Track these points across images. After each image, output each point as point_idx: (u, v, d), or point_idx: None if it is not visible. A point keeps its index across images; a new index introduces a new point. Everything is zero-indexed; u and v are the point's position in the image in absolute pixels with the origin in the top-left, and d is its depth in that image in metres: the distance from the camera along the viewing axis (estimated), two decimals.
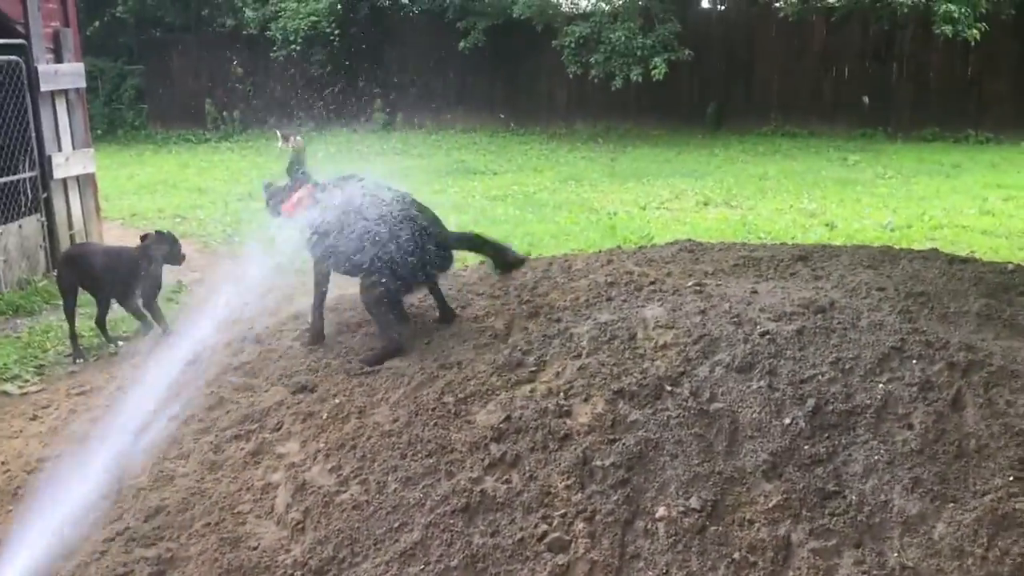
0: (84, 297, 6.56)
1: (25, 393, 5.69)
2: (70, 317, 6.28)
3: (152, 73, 22.98)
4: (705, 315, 4.03)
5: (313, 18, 20.27)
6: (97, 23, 22.78)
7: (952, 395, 3.41)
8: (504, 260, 5.00)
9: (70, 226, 8.82)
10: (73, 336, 6.26)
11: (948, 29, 15.27)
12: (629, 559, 3.06)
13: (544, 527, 3.17)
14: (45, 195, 8.52)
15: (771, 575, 2.95)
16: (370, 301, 4.69)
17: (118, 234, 9.57)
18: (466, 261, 7.75)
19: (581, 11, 20.16)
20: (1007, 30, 16.78)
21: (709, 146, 17.55)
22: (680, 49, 17.50)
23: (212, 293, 5.88)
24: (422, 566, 3.14)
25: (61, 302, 6.46)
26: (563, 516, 3.19)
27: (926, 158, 15.25)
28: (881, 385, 3.47)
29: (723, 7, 21.32)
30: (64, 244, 8.65)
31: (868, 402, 3.40)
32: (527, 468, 3.39)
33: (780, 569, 2.96)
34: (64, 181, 8.76)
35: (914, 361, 3.57)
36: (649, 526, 3.12)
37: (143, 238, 6.25)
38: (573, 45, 18.28)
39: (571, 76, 18.72)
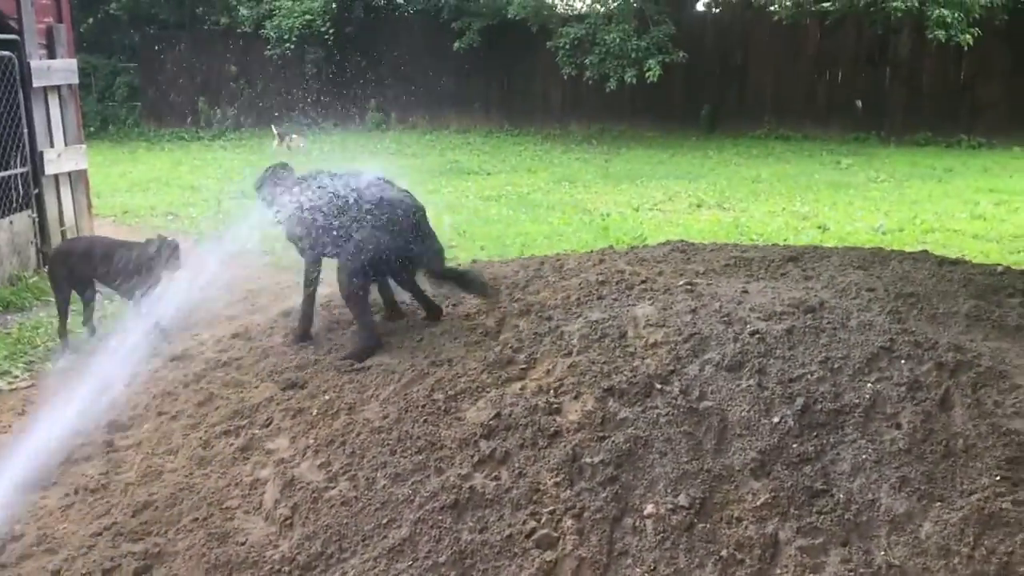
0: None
1: (14, 389, 5.67)
2: (65, 311, 6.26)
3: (146, 70, 22.94)
4: (696, 314, 4.04)
5: (307, 17, 20.26)
6: (91, 20, 22.77)
7: (940, 395, 3.42)
8: (469, 287, 4.95)
9: (61, 222, 8.79)
10: (65, 330, 6.24)
11: (941, 34, 15.34)
12: (617, 556, 3.06)
13: (533, 524, 3.17)
14: (36, 191, 8.49)
15: (758, 573, 2.95)
16: (346, 295, 4.72)
17: (110, 231, 9.53)
18: (458, 258, 7.75)
19: (576, 12, 20.21)
20: (1000, 35, 16.87)
21: (703, 148, 17.58)
22: (674, 51, 17.54)
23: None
24: (410, 562, 3.14)
25: (54, 296, 6.39)
26: (552, 513, 3.20)
27: (919, 162, 15.30)
28: (870, 385, 3.48)
29: (717, 10, 21.39)
30: (56, 241, 8.61)
31: (856, 401, 3.41)
32: (516, 465, 3.39)
33: (767, 567, 2.96)
34: (56, 177, 8.72)
35: (903, 361, 3.58)
36: (637, 523, 3.13)
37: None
38: (568, 46, 18.30)
39: (566, 77, 18.76)
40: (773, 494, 3.13)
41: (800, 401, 3.42)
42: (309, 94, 21.99)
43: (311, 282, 4.96)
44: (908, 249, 6.45)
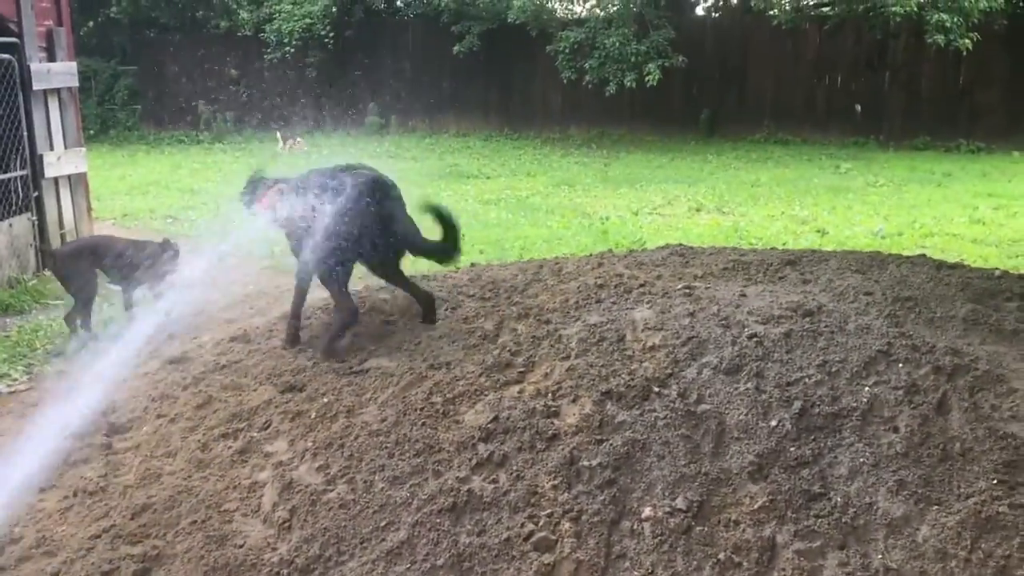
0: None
1: (13, 392, 5.67)
2: (89, 301, 6.36)
3: (145, 74, 22.97)
4: (694, 317, 4.05)
5: (308, 20, 20.28)
6: (91, 23, 22.77)
7: (937, 399, 3.42)
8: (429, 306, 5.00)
9: (61, 225, 8.80)
10: (81, 322, 6.35)
11: (940, 39, 15.37)
12: (615, 559, 3.06)
13: (531, 527, 3.18)
14: (36, 194, 8.50)
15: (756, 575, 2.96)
16: (320, 276, 4.79)
17: (108, 234, 9.54)
18: (457, 262, 7.74)
19: (575, 17, 20.24)
20: (999, 40, 16.91)
21: (702, 152, 17.61)
22: (674, 56, 17.57)
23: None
24: (408, 565, 3.14)
25: (72, 291, 6.44)
26: (549, 516, 3.20)
27: (917, 166, 15.33)
28: (867, 388, 3.48)
29: (717, 14, 21.44)
30: (55, 244, 8.62)
31: (854, 405, 3.42)
32: (514, 468, 3.39)
33: (765, 570, 2.97)
34: (55, 180, 8.74)
35: (900, 365, 3.59)
36: (635, 526, 3.13)
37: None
38: (567, 50, 18.34)
39: (565, 81, 18.78)
40: (771, 497, 3.14)
41: (798, 404, 3.42)
42: (309, 98, 22.03)
43: (302, 284, 5.00)
44: (907, 253, 6.46)
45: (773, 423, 3.37)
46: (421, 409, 3.81)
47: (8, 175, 8.23)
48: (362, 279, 6.52)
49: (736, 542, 3.04)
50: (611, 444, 3.37)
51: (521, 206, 11.99)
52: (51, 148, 8.63)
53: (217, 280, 6.31)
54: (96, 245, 6.61)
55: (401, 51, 21.63)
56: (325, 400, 4.12)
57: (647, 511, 3.16)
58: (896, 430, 3.31)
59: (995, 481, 3.10)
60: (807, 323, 3.90)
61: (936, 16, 15.24)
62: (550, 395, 3.69)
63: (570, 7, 21.23)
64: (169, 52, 23.06)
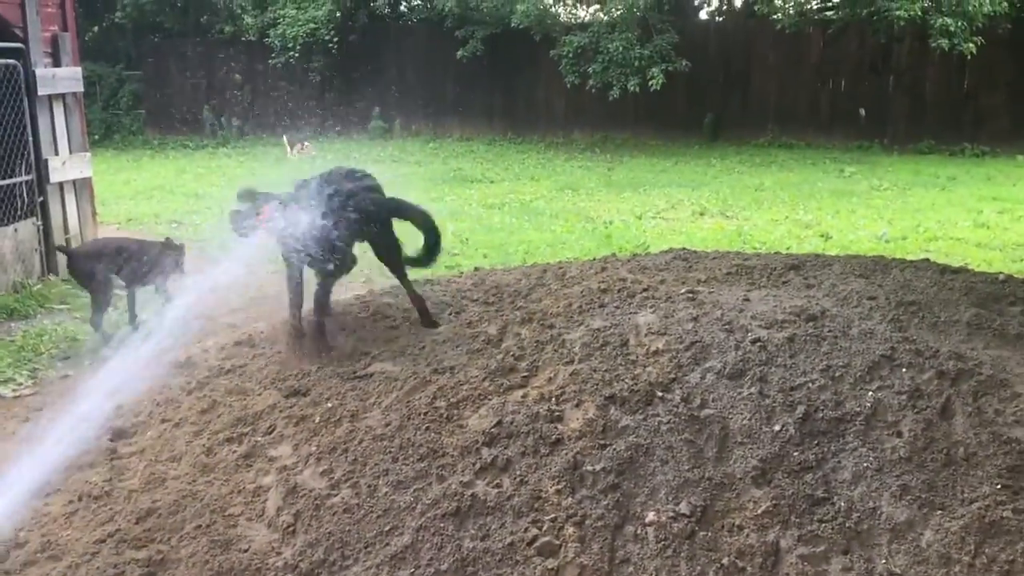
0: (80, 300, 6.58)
1: (18, 396, 5.69)
2: (106, 302, 6.47)
3: (150, 79, 23.04)
4: (697, 322, 4.05)
5: (312, 25, 20.34)
6: (96, 28, 22.89)
7: (941, 403, 3.42)
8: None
9: (66, 230, 8.82)
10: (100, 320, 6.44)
11: (944, 43, 15.36)
12: (618, 564, 3.07)
13: (534, 531, 3.18)
14: (41, 199, 8.53)
15: None
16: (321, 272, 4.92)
17: (120, 235, 9.57)
18: (461, 266, 7.78)
19: (579, 21, 20.27)
20: (1003, 44, 16.89)
21: (706, 156, 17.61)
22: (677, 60, 17.58)
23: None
24: (412, 569, 3.15)
25: (90, 291, 6.54)
26: (553, 521, 3.20)
27: (922, 170, 15.32)
28: (871, 393, 3.48)
29: (720, 19, 21.44)
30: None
31: (858, 410, 3.42)
32: (518, 473, 3.40)
33: (769, 575, 2.97)
34: (60, 185, 8.77)
35: (904, 369, 3.59)
36: (639, 531, 3.13)
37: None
38: (571, 55, 18.35)
39: (569, 86, 18.79)
40: (774, 502, 3.14)
41: (801, 409, 3.42)
42: (313, 102, 22.08)
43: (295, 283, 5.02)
44: (911, 258, 6.46)
45: (777, 428, 3.37)
46: (425, 414, 3.81)
47: (13, 180, 8.26)
48: (366, 283, 6.55)
49: (740, 547, 3.04)
50: (615, 449, 3.38)
51: (525, 210, 12.00)
52: (56, 153, 8.66)
53: (221, 285, 6.32)
54: (111, 247, 6.68)
55: (405, 56, 21.66)
56: (329, 404, 4.13)
57: (651, 516, 3.16)
58: (900, 435, 3.31)
59: (999, 486, 3.10)
60: (811, 328, 3.90)
61: (940, 20, 15.23)
62: (554, 400, 3.69)
63: (574, 12, 21.27)
64: (174, 57, 23.14)
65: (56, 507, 3.91)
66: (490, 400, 3.80)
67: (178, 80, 23.10)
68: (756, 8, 18.50)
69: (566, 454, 3.40)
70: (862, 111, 18.71)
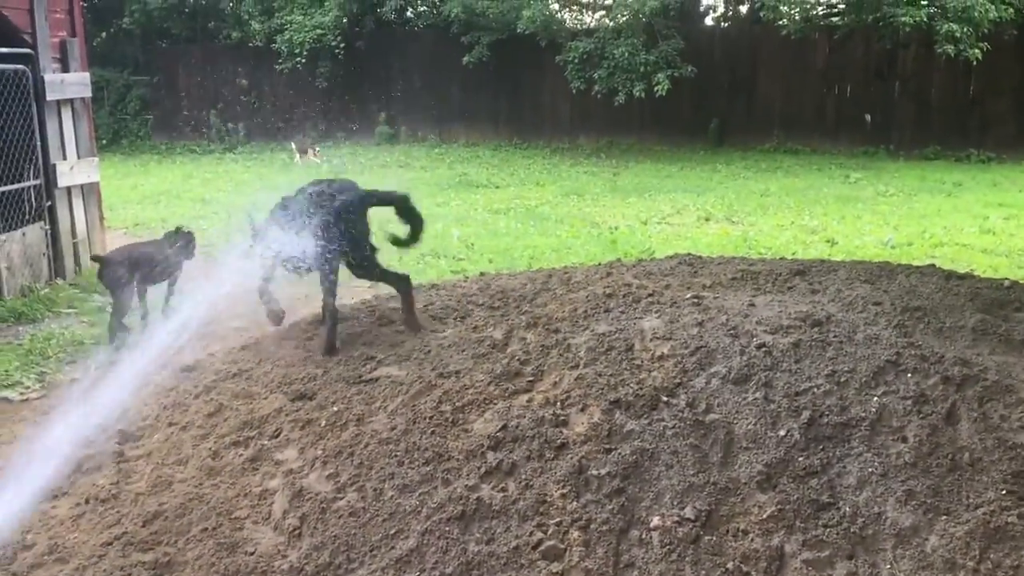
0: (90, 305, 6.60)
1: (26, 399, 5.72)
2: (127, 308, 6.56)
3: (157, 84, 23.14)
4: (702, 327, 4.05)
5: (319, 31, 20.40)
6: (104, 34, 22.99)
7: (946, 409, 3.42)
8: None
9: (73, 235, 8.87)
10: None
11: (950, 48, 15.36)
12: (623, 568, 3.07)
13: (539, 535, 3.19)
14: (49, 203, 8.57)
15: None
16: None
17: (122, 243, 9.61)
18: (466, 271, 7.79)
19: (585, 27, 20.30)
20: (1009, 50, 16.88)
21: (711, 162, 17.62)
22: (683, 65, 17.60)
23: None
24: (417, 572, 3.16)
25: (114, 296, 6.63)
26: (558, 524, 3.21)
27: (928, 176, 15.30)
28: (876, 398, 3.49)
29: (726, 24, 21.46)
30: (67, 253, 8.71)
31: (863, 415, 3.42)
32: (523, 476, 3.41)
33: None
34: (68, 190, 8.81)
35: (909, 375, 3.59)
36: (643, 535, 3.14)
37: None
38: (577, 60, 18.39)
39: (574, 91, 18.83)
40: (779, 507, 3.14)
41: (806, 414, 3.43)
42: (319, 108, 22.14)
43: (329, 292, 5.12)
44: (917, 263, 6.46)
45: (782, 433, 3.37)
46: (430, 418, 3.82)
47: (21, 184, 8.30)
48: (371, 287, 6.56)
49: (744, 552, 3.04)
50: (620, 453, 3.38)
51: (530, 215, 12.02)
52: (64, 158, 8.70)
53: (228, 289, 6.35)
54: (137, 255, 6.81)
55: (411, 61, 21.73)
56: (335, 408, 4.14)
57: (655, 520, 3.17)
58: (905, 440, 3.31)
59: (1004, 491, 3.10)
60: (816, 333, 3.90)
61: (946, 26, 15.23)
62: (559, 404, 3.70)
63: (579, 17, 21.31)
64: (181, 63, 23.24)
65: (63, 510, 3.93)
66: (495, 404, 3.81)
67: (185, 85, 23.20)
68: (762, 14, 18.52)
69: (571, 458, 3.41)
70: (868, 117, 18.70)
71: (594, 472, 3.34)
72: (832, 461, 3.28)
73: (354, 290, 6.45)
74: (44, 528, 3.80)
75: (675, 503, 3.21)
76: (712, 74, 19.07)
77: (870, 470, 3.22)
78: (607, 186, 14.76)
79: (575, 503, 3.26)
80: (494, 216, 11.96)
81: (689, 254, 6.39)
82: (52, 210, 8.62)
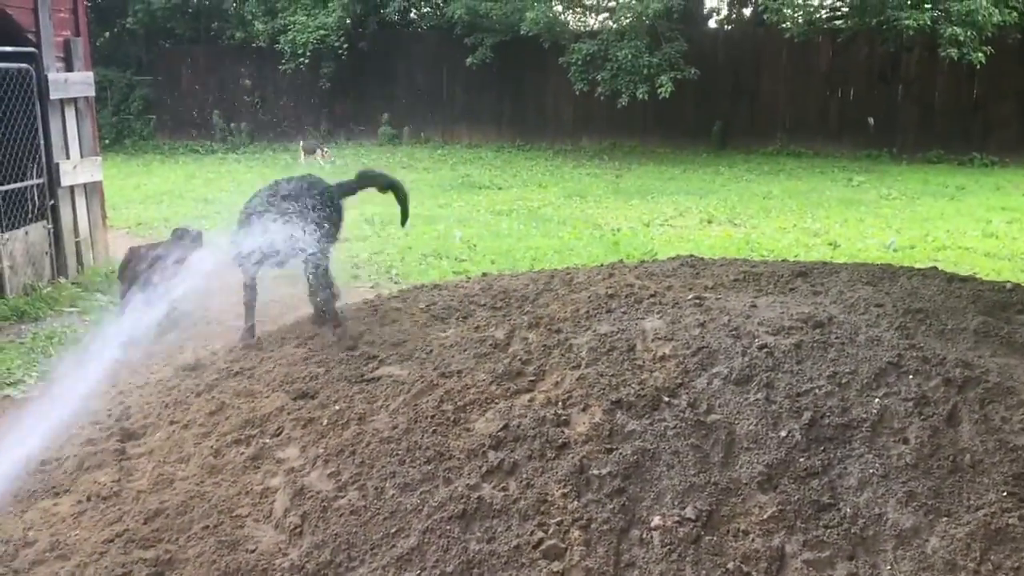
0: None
1: (27, 397, 5.72)
2: None
3: (161, 84, 23.17)
4: (704, 328, 4.06)
5: (322, 32, 20.43)
6: (107, 34, 23.05)
7: (948, 411, 3.42)
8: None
9: (76, 233, 8.88)
10: None
11: (954, 52, 15.37)
12: (624, 568, 3.07)
13: (540, 534, 3.19)
14: (52, 202, 8.59)
15: None
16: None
17: (124, 243, 9.62)
18: (468, 271, 7.80)
19: (588, 29, 20.32)
20: (1012, 54, 16.89)
21: (714, 164, 17.62)
22: (686, 68, 17.62)
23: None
24: (418, 571, 3.16)
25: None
26: (559, 524, 3.21)
27: (931, 180, 15.30)
28: (877, 399, 3.49)
29: (729, 27, 21.48)
30: (70, 252, 8.72)
31: (864, 416, 3.42)
32: (524, 476, 3.41)
33: None
34: (71, 189, 8.83)
35: (911, 376, 3.59)
36: (644, 535, 3.14)
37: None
38: (580, 62, 18.41)
39: (577, 93, 18.85)
40: (780, 507, 3.14)
41: (808, 415, 3.43)
42: (323, 108, 22.16)
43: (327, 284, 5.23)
44: (919, 267, 6.46)
45: (783, 433, 3.37)
46: (432, 417, 3.82)
47: (24, 183, 8.32)
48: (374, 287, 6.57)
49: (745, 552, 3.04)
50: (621, 453, 3.39)
51: (533, 217, 12.03)
52: (67, 157, 8.72)
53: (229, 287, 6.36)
54: (155, 256, 6.80)
55: (414, 62, 21.75)
56: (337, 407, 4.14)
57: (656, 520, 3.17)
58: (906, 441, 3.31)
59: (1005, 493, 3.09)
60: (817, 334, 3.90)
61: (950, 30, 15.23)
62: (560, 404, 3.70)
63: (583, 19, 21.33)
64: (184, 63, 23.29)
65: (65, 507, 3.93)
66: (497, 404, 3.81)
67: (189, 86, 23.24)
68: (765, 17, 18.53)
69: (572, 458, 3.41)
70: (871, 120, 18.70)
71: (595, 472, 3.34)
72: (833, 462, 3.28)
73: (355, 290, 6.46)
74: (45, 525, 3.81)
75: (676, 503, 3.21)
76: (715, 77, 19.08)
77: (871, 471, 3.22)
78: (610, 188, 14.77)
79: (576, 502, 3.26)
80: (496, 217, 11.96)
81: (691, 256, 6.38)
82: (55, 209, 8.63)
